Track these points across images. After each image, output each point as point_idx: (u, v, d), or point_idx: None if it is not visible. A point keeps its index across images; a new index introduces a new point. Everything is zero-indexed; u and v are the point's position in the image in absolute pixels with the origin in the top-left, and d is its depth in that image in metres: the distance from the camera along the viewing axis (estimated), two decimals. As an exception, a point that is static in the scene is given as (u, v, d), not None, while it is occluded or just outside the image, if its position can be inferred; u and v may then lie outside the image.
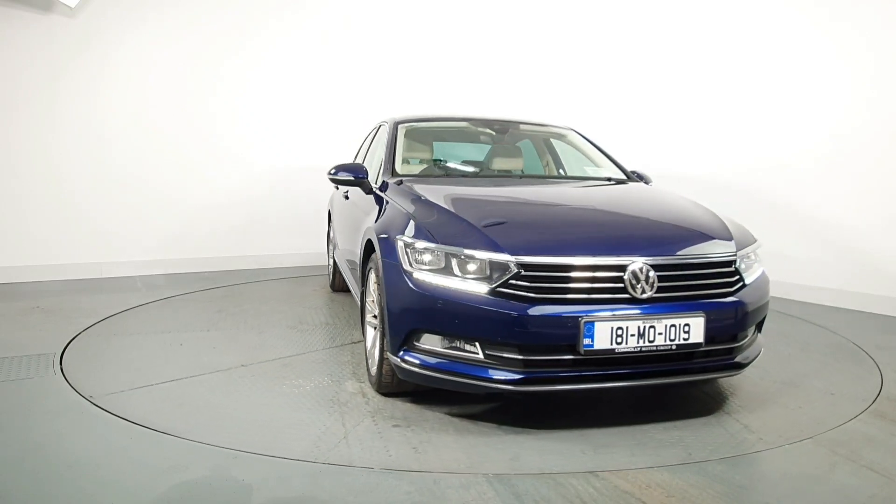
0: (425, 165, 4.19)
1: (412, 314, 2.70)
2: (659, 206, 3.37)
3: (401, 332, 2.75)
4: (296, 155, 6.97)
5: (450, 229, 2.79)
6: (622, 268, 2.60)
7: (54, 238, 5.96)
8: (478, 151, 4.54)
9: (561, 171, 4.54)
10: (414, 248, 2.75)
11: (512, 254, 2.58)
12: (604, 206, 3.37)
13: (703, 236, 2.91)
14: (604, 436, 2.71)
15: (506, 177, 4.06)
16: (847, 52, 5.25)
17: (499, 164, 4.18)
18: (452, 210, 2.97)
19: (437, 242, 2.71)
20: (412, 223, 2.90)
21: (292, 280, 6.30)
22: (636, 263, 2.61)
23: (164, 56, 6.32)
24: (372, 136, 5.01)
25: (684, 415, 2.96)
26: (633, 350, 2.56)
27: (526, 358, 2.56)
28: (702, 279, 2.74)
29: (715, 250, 2.82)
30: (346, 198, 4.56)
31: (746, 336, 2.92)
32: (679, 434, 2.73)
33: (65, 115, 5.95)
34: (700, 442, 2.66)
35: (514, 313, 2.51)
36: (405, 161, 4.15)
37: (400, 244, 2.80)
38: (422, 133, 4.41)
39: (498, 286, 2.56)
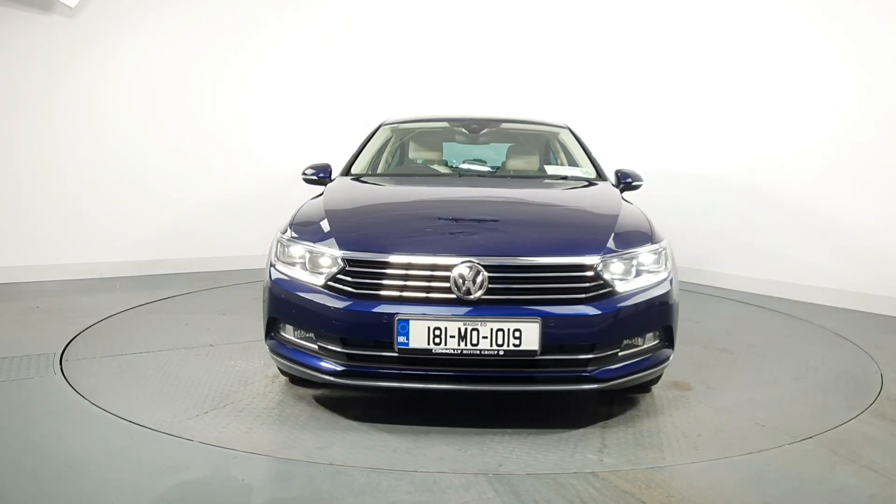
0: (399, 165, 4.30)
1: (269, 303, 2.87)
2: (554, 207, 3.30)
3: (264, 319, 2.93)
4: (296, 154, 6.92)
5: (311, 225, 2.97)
6: (449, 267, 2.56)
7: (54, 238, 5.94)
8: (451, 151, 4.60)
9: (535, 170, 4.51)
10: (281, 242, 2.94)
11: (341, 249, 2.69)
12: (482, 205, 3.35)
13: (564, 240, 2.82)
14: (437, 436, 2.65)
15: (437, 175, 4.10)
16: (847, 52, 5.25)
17: (461, 162, 4.25)
18: (325, 207, 3.11)
19: (294, 236, 2.90)
20: (296, 219, 3.09)
21: None
22: (465, 264, 2.55)
23: (165, 56, 6.31)
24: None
25: (559, 425, 2.77)
26: (452, 352, 2.51)
27: (348, 352, 2.64)
28: (543, 283, 2.60)
29: (570, 254, 2.66)
30: None
31: (617, 348, 2.68)
32: (515, 445, 2.59)
33: (65, 115, 5.92)
34: (526, 455, 2.50)
35: (333, 306, 2.61)
36: (386, 161, 4.27)
37: (275, 238, 3.01)
38: (404, 133, 4.49)
39: (328, 280, 2.68)
